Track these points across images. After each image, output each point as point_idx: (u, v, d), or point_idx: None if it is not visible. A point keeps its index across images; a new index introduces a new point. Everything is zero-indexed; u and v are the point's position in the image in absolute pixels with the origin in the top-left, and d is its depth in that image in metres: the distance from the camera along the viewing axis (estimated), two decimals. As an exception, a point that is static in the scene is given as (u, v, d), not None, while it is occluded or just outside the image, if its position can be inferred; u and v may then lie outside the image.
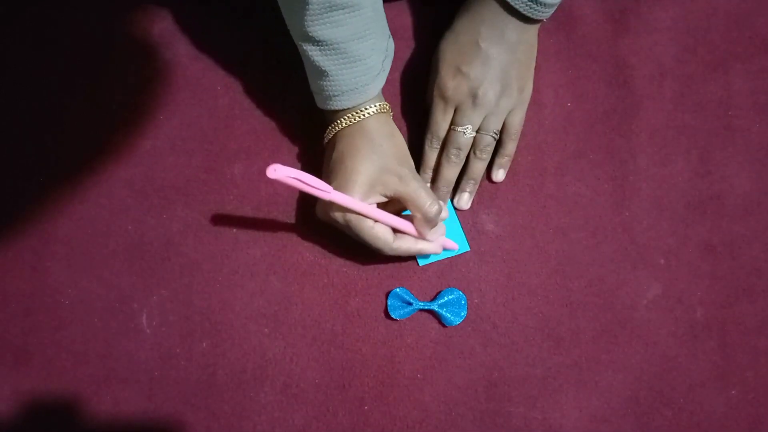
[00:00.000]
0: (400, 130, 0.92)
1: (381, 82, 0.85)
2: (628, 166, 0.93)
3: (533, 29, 0.87)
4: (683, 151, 0.94)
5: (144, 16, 0.96)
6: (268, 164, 0.77)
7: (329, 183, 0.82)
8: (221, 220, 0.92)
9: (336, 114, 0.84)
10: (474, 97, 0.86)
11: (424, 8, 0.97)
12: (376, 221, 0.81)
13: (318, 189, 0.75)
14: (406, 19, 0.97)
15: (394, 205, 0.85)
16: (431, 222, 0.83)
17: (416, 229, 0.84)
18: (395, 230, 0.84)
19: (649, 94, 0.95)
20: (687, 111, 0.95)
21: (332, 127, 0.85)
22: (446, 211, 0.86)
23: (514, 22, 0.84)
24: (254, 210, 0.92)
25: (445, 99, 0.88)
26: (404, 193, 0.81)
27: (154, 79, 0.95)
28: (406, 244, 0.84)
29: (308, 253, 0.91)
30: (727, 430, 0.89)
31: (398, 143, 0.86)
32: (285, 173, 0.72)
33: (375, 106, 0.84)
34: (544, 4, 0.81)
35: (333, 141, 0.86)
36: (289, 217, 0.90)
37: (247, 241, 0.91)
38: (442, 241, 0.87)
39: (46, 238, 0.92)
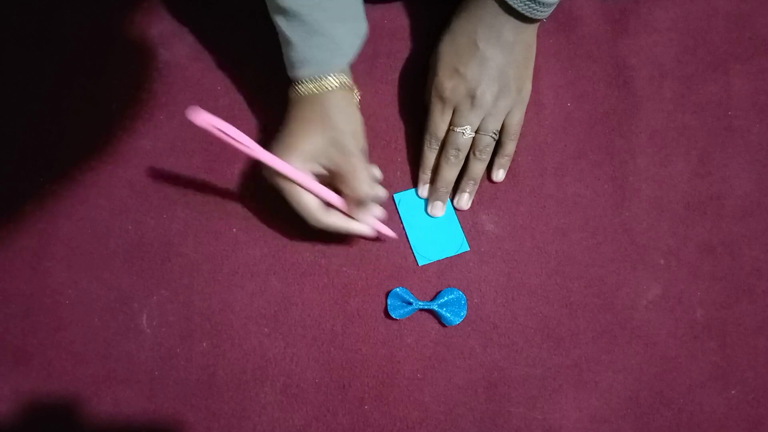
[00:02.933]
0: (399, 130, 0.92)
1: (345, 58, 0.84)
2: (628, 166, 0.93)
3: (531, 29, 0.86)
4: (683, 151, 0.94)
5: (144, 16, 0.97)
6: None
7: (274, 144, 0.83)
8: (221, 220, 0.92)
9: (299, 83, 0.84)
10: (472, 97, 0.86)
11: (423, 8, 0.97)
12: (307, 190, 0.82)
13: (242, 144, 0.74)
14: (405, 20, 0.97)
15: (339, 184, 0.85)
16: (361, 203, 0.83)
17: (347, 207, 0.84)
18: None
19: (649, 95, 0.95)
20: (687, 111, 0.95)
21: (292, 94, 0.85)
22: (385, 192, 0.86)
23: (511, 22, 0.84)
24: (254, 210, 0.92)
25: (443, 100, 0.88)
26: (342, 166, 0.81)
27: (154, 79, 0.95)
28: (333, 219, 0.84)
29: (308, 253, 0.91)
30: (726, 430, 0.89)
31: (353, 121, 0.85)
32: (207, 120, 0.70)
33: (338, 82, 0.83)
34: (543, 4, 0.81)
35: (289, 108, 0.86)
36: (289, 217, 0.90)
37: (247, 241, 0.91)
38: (375, 224, 0.86)
39: (46, 239, 0.92)
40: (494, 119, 0.88)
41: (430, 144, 0.90)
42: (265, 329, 0.90)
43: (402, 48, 0.96)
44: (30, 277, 0.91)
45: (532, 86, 0.91)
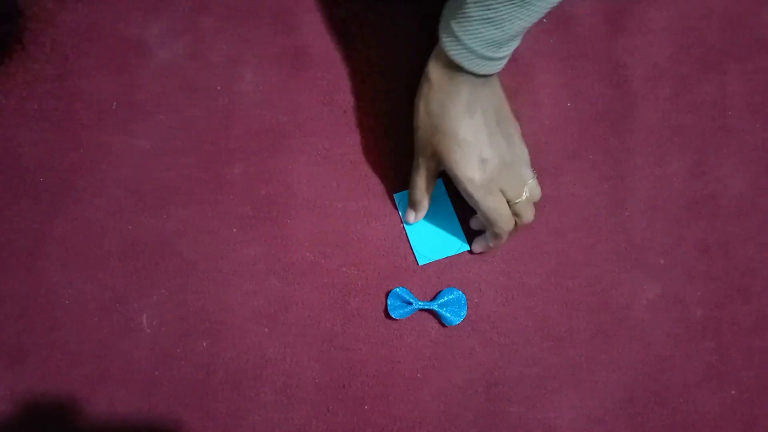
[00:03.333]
0: (399, 130, 0.92)
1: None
2: (625, 166, 0.94)
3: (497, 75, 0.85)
4: (679, 151, 0.94)
5: (144, 16, 0.96)
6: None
7: None
8: (219, 219, 0.91)
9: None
10: (510, 167, 0.84)
11: (423, 8, 0.97)
12: None
13: None
14: (405, 20, 0.97)
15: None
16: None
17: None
18: None
19: (645, 95, 0.96)
20: (683, 111, 0.95)
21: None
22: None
23: (488, 85, 0.82)
24: (254, 210, 0.92)
25: (489, 189, 0.83)
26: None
27: (152, 79, 0.94)
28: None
29: (308, 253, 0.91)
30: (722, 430, 0.90)
31: None
32: None
33: None
34: (498, 59, 0.78)
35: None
36: (289, 217, 0.90)
37: (246, 241, 0.91)
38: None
39: (42, 238, 0.91)
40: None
41: (502, 231, 0.86)
42: (265, 329, 0.90)
43: (402, 48, 0.96)
44: (25, 276, 0.91)
45: (528, 86, 0.91)
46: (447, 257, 0.91)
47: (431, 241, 0.91)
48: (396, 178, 0.93)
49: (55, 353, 0.89)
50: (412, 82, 0.94)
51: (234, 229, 0.91)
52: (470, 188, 0.82)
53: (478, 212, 0.85)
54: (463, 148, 0.82)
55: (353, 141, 0.93)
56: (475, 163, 0.82)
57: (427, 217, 0.92)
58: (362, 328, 0.90)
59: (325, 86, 0.94)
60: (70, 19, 0.96)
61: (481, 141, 0.82)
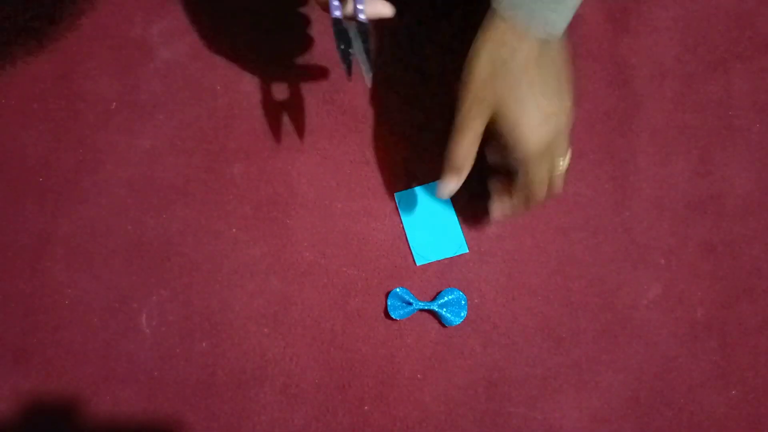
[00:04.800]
0: (399, 129, 0.92)
1: None
2: (629, 165, 0.93)
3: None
4: (684, 150, 0.94)
5: (144, 16, 0.96)
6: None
7: None
8: (221, 219, 0.92)
9: None
10: (563, 134, 0.77)
11: (423, 7, 0.97)
12: None
13: None
14: (405, 19, 0.97)
15: None
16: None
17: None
18: None
19: (650, 94, 0.95)
20: (687, 111, 0.95)
21: None
22: None
23: (558, 47, 0.75)
24: (254, 210, 0.92)
25: (543, 155, 0.76)
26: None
27: (153, 79, 0.95)
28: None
29: (308, 253, 0.91)
30: (727, 430, 0.89)
31: None
32: None
33: None
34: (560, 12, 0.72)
35: None
36: (289, 217, 0.90)
37: (246, 241, 0.91)
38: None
39: (46, 238, 0.92)
40: None
41: (538, 198, 0.80)
42: (265, 329, 0.90)
43: (402, 48, 0.96)
44: (30, 276, 0.91)
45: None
46: (446, 258, 0.91)
47: (430, 241, 0.91)
48: (396, 178, 0.93)
49: (59, 353, 0.90)
50: (413, 81, 0.94)
51: (234, 229, 0.92)
52: (527, 151, 0.75)
53: (521, 178, 0.77)
54: (527, 106, 0.74)
55: (353, 141, 0.93)
56: (536, 126, 0.74)
57: (426, 217, 0.91)
58: (362, 329, 0.90)
59: (325, 86, 0.94)
60: (73, 19, 0.96)
61: (545, 102, 0.74)
